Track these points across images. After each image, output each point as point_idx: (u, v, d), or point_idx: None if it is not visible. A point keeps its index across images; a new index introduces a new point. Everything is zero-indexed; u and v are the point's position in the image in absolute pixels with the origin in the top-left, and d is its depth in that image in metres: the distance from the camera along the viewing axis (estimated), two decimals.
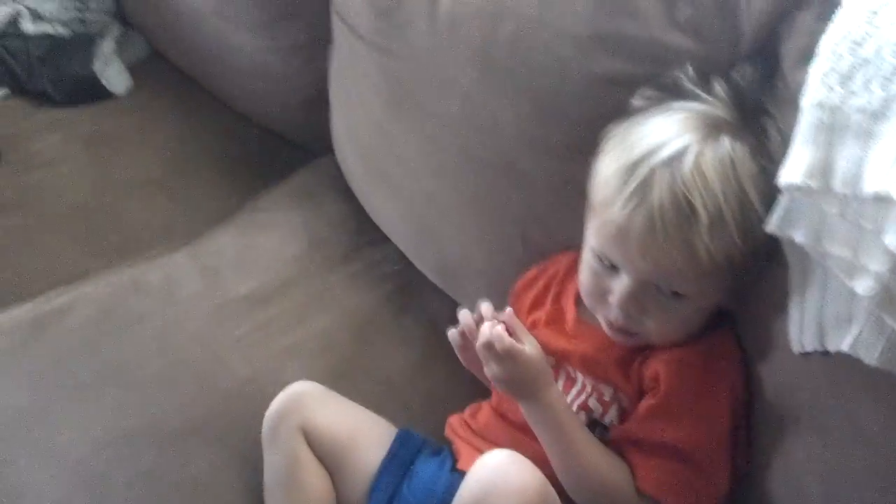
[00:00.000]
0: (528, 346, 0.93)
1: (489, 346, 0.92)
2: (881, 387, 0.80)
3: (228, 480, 1.08)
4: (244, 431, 1.09)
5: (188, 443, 1.11)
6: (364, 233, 1.39)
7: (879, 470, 0.82)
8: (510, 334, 0.93)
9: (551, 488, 0.89)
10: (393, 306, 1.30)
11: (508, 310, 0.95)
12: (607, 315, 0.98)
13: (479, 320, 0.96)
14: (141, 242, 1.42)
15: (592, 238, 0.97)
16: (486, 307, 0.97)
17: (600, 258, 0.96)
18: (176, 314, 1.26)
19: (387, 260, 1.36)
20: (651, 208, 0.89)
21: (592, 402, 0.99)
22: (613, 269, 0.95)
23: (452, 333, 1.02)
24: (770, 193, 0.86)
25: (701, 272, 0.90)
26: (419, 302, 1.31)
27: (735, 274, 0.93)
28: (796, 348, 0.87)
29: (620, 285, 0.94)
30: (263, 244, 1.37)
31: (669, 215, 0.88)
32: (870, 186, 0.75)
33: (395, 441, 1.07)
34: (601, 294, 0.97)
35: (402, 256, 1.35)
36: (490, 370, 0.94)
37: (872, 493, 0.83)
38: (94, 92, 1.65)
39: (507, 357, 0.92)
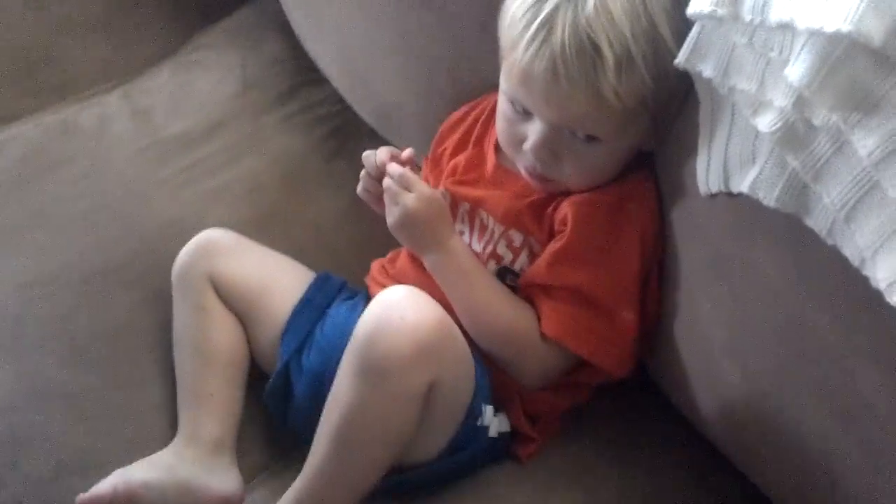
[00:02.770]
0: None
1: (387, 188, 0.93)
2: (781, 233, 0.76)
3: (145, 321, 1.07)
4: (163, 274, 1.07)
5: (106, 284, 1.09)
6: (303, 73, 1.33)
7: (778, 316, 0.80)
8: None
9: (453, 325, 0.88)
10: (326, 150, 1.26)
11: (404, 169, 0.95)
12: (524, 163, 0.94)
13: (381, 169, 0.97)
14: (78, 83, 1.36)
15: (503, 82, 0.92)
16: (382, 153, 0.97)
17: (513, 103, 0.91)
18: (103, 155, 1.23)
19: (325, 102, 1.31)
20: (553, 51, 0.83)
21: (502, 249, 0.96)
22: (527, 114, 0.91)
23: (361, 189, 1.03)
24: (685, 29, 0.80)
25: (612, 115, 0.86)
26: (353, 146, 1.25)
27: (650, 115, 0.88)
28: (703, 190, 0.82)
29: (534, 131, 0.90)
30: (198, 84, 1.32)
31: (572, 58, 0.83)
32: (775, 14, 0.70)
33: (311, 285, 1.05)
34: (517, 141, 0.93)
35: (341, 98, 1.30)
36: (391, 215, 0.93)
37: (772, 338, 0.81)
38: None
39: (407, 189, 0.92)
